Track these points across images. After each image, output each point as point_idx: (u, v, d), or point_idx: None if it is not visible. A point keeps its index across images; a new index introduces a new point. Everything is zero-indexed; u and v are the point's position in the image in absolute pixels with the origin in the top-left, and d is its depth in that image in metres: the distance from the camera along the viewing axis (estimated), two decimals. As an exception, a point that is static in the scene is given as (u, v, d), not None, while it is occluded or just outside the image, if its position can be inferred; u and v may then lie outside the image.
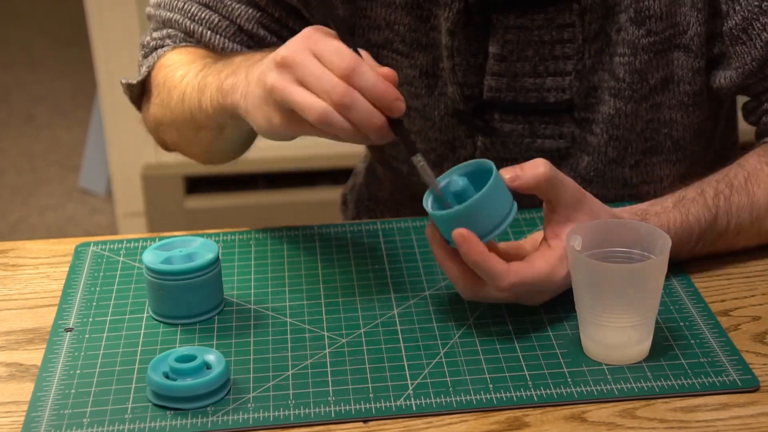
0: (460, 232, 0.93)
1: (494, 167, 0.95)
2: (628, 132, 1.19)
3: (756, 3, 1.10)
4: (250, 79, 1.01)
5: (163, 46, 1.25)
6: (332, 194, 2.62)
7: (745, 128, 1.31)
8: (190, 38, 1.23)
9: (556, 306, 1.02)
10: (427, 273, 1.09)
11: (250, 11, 1.21)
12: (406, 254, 1.12)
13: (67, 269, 1.12)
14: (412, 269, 1.10)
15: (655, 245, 0.94)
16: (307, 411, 0.89)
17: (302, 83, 0.95)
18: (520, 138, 1.21)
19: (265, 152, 2.66)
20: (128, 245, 1.15)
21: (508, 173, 0.97)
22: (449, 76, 1.19)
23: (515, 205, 0.96)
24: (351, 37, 0.98)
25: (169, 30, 1.25)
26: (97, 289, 1.08)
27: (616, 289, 0.91)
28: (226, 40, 1.21)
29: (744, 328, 0.99)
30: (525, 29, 1.15)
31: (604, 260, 0.93)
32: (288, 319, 1.02)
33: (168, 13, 1.24)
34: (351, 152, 2.52)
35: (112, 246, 1.15)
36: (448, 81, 1.19)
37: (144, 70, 1.25)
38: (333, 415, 0.89)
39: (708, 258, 1.08)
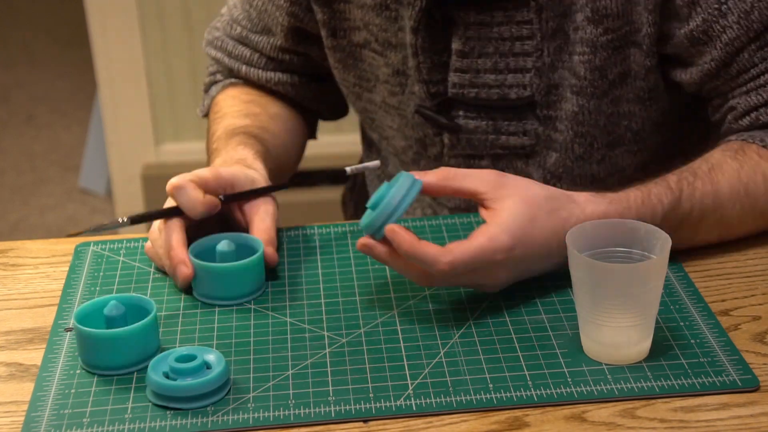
0: (391, 228, 0.98)
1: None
2: (592, 128, 1.20)
3: (716, 6, 1.12)
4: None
5: (216, 82, 1.40)
6: (332, 194, 2.62)
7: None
8: (232, 73, 1.38)
9: (556, 306, 1.02)
10: (427, 273, 1.09)
11: (272, 40, 1.32)
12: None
13: (67, 269, 1.12)
14: (412, 269, 1.10)
15: (655, 245, 0.94)
16: (307, 411, 0.89)
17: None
18: (484, 135, 1.23)
19: (265, 152, 2.66)
20: (128, 245, 1.15)
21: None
22: (415, 74, 1.22)
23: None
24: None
25: (218, 66, 1.40)
26: (97, 289, 1.08)
27: (616, 289, 0.91)
28: (260, 71, 1.35)
29: (744, 328, 0.99)
30: (485, 26, 1.17)
31: (604, 260, 0.93)
32: (288, 319, 1.02)
33: (214, 51, 1.39)
34: (350, 152, 2.53)
35: (112, 246, 1.15)
36: (414, 79, 1.21)
37: (204, 107, 1.41)
38: (333, 415, 0.89)
39: (708, 258, 1.09)
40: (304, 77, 1.36)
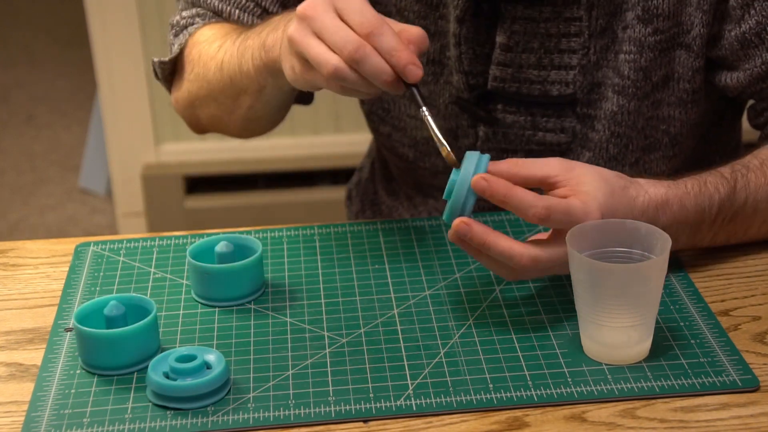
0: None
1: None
2: (629, 129, 1.20)
3: None
4: (285, 31, 1.05)
5: (193, 24, 1.27)
6: (332, 194, 2.63)
7: (747, 127, 1.31)
8: (218, 16, 1.26)
9: (556, 306, 1.02)
10: (427, 273, 1.09)
11: None
12: (406, 254, 1.12)
13: (67, 269, 1.12)
14: (412, 269, 1.10)
15: (655, 245, 0.94)
16: (307, 411, 0.89)
17: (318, 35, 0.98)
18: (521, 130, 1.21)
19: (265, 152, 2.66)
20: (128, 245, 1.15)
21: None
22: (455, 65, 1.20)
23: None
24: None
25: (198, 9, 1.28)
26: (97, 289, 1.08)
27: (616, 288, 0.91)
28: (254, 18, 1.24)
29: (744, 328, 0.99)
30: (532, 21, 1.16)
31: (604, 260, 0.93)
32: (288, 319, 1.02)
33: None
34: (351, 152, 2.53)
35: (112, 246, 1.15)
36: (454, 69, 1.20)
37: (176, 48, 1.27)
38: (333, 415, 0.89)
39: (708, 258, 1.09)
40: None
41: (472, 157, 0.98)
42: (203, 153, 2.63)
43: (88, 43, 2.58)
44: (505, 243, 0.96)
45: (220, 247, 1.05)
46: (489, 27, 1.18)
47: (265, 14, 1.24)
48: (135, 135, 2.62)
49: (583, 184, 0.98)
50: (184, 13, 1.29)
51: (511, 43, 1.17)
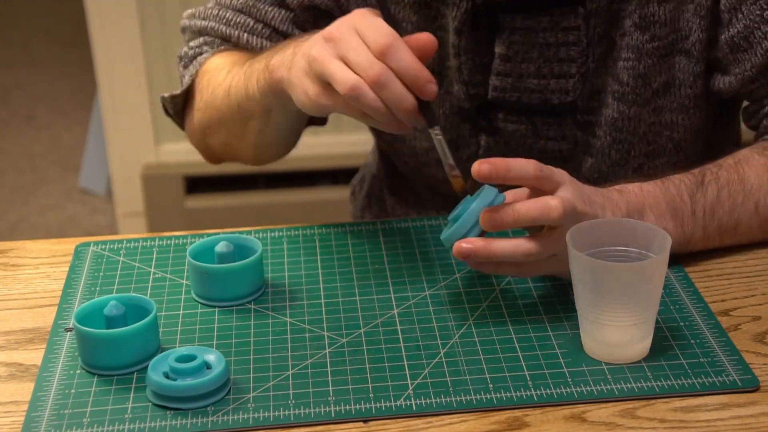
0: (467, 240, 0.97)
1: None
2: (631, 135, 1.20)
3: (758, 12, 1.12)
4: (296, 51, 1.04)
5: (201, 53, 1.26)
6: (332, 194, 2.63)
7: (746, 129, 1.31)
8: (227, 42, 1.25)
9: (556, 306, 1.02)
10: (427, 273, 1.09)
11: (282, 13, 1.23)
12: (406, 254, 1.12)
13: (67, 269, 1.12)
14: (412, 269, 1.10)
15: (652, 243, 0.94)
16: (307, 411, 0.89)
17: (342, 58, 0.98)
18: (523, 138, 1.21)
19: (265, 152, 2.66)
20: (128, 245, 1.15)
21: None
22: (455, 75, 1.20)
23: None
24: (391, 19, 1.00)
25: (206, 38, 1.27)
26: (97, 289, 1.08)
27: (618, 287, 0.91)
28: (264, 40, 1.23)
29: (744, 328, 0.99)
30: (531, 31, 1.16)
31: (602, 259, 0.93)
32: (288, 319, 1.02)
33: (202, 22, 1.27)
34: (351, 152, 2.53)
35: (112, 246, 1.15)
36: (454, 80, 1.20)
37: (187, 79, 1.26)
38: (333, 415, 0.89)
39: (708, 258, 1.09)
40: None
41: (489, 194, 0.98)
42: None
43: (88, 43, 2.58)
44: (506, 243, 0.97)
45: (220, 247, 1.05)
46: (488, 38, 1.18)
47: (275, 35, 1.24)
48: (135, 135, 2.62)
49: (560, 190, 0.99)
50: (191, 44, 1.28)
51: (510, 53, 1.17)
